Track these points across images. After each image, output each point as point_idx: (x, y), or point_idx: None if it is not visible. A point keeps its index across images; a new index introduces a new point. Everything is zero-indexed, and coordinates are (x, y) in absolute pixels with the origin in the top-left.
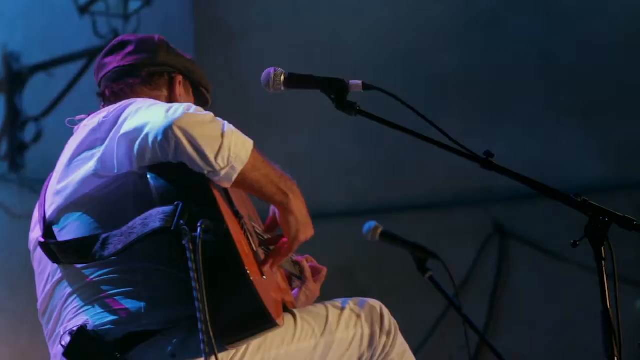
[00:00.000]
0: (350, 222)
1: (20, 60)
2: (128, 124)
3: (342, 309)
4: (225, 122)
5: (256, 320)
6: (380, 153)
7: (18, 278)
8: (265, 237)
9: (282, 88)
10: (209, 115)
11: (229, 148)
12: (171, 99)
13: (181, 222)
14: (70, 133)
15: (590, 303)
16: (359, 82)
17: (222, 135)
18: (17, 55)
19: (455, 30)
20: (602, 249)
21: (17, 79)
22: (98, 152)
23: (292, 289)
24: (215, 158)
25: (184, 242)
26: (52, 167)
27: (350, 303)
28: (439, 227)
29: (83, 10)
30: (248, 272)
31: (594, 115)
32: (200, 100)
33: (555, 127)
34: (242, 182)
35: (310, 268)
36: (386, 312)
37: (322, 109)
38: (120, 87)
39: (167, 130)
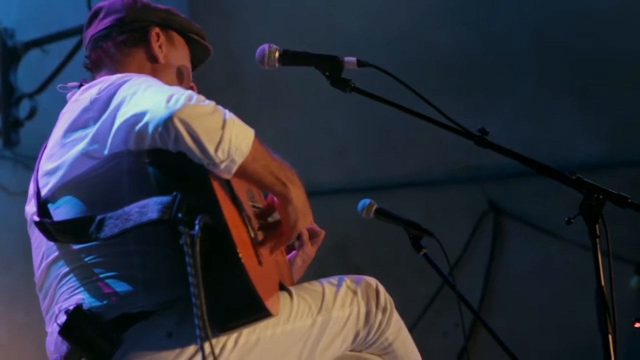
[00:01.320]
0: (345, 200)
1: (15, 37)
2: (126, 110)
3: (339, 286)
4: (227, 112)
5: (250, 310)
6: (374, 130)
7: (13, 254)
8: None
9: (277, 64)
10: (210, 105)
11: (229, 140)
12: (150, 53)
13: (179, 215)
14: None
15: (584, 280)
16: (354, 59)
17: (223, 126)
18: (11, 32)
19: (450, 9)
20: (597, 226)
21: (12, 55)
22: (91, 131)
23: (290, 252)
24: (215, 151)
25: (181, 241)
26: None
27: (347, 280)
28: (434, 205)
29: None
30: (244, 264)
31: (588, 93)
32: (199, 50)
33: (549, 106)
34: (242, 173)
35: (308, 231)
36: (382, 289)
37: (316, 86)
38: (97, 54)
39: (168, 122)
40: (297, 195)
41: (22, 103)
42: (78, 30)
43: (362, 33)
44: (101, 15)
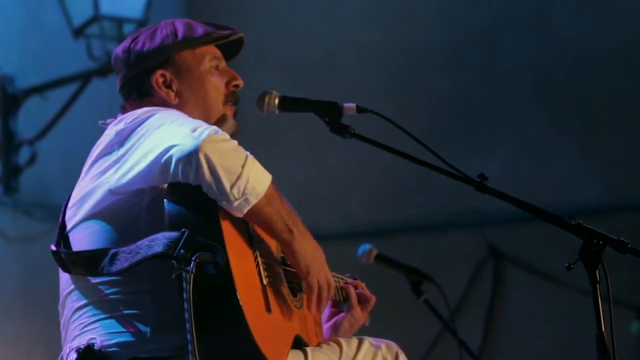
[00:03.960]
0: (345, 245)
1: (15, 83)
2: (149, 144)
3: (358, 348)
4: (248, 153)
5: (247, 357)
6: (374, 176)
7: (13, 301)
8: None
9: (276, 111)
10: (234, 143)
11: (246, 180)
12: (161, 99)
13: (182, 251)
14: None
15: (584, 325)
16: (353, 105)
17: (243, 165)
18: (11, 78)
19: (450, 51)
20: (597, 272)
21: (11, 101)
22: (114, 162)
23: (339, 313)
24: (231, 188)
25: (173, 276)
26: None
27: (367, 342)
28: (434, 250)
29: (77, 32)
30: (242, 308)
31: (589, 137)
32: (229, 51)
33: (550, 149)
34: (254, 215)
35: (357, 295)
36: (402, 354)
37: (316, 131)
38: (125, 108)
39: (192, 153)
40: (302, 245)
41: (22, 149)
42: (78, 77)
43: (361, 76)
44: (115, 70)
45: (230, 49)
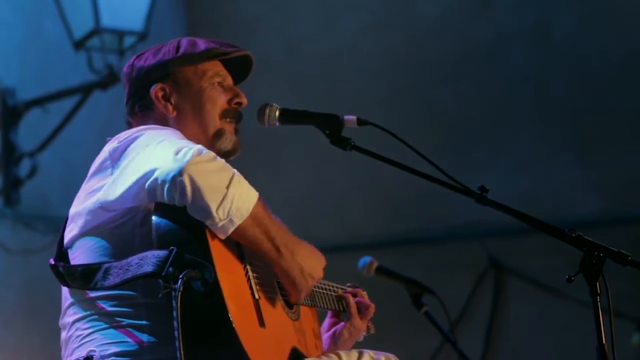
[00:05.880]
0: (346, 258)
1: (15, 96)
2: (137, 166)
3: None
4: (235, 172)
5: None
6: (375, 188)
7: (13, 313)
8: None
9: (277, 123)
10: (219, 162)
11: (231, 201)
12: (160, 112)
13: (170, 269)
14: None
15: (585, 337)
16: (354, 117)
17: (228, 186)
18: (12, 91)
19: (451, 64)
20: (597, 284)
21: (12, 114)
22: (106, 182)
23: (339, 322)
24: (217, 210)
25: (160, 295)
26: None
27: (366, 356)
28: (434, 262)
29: (78, 45)
30: (234, 323)
31: (589, 149)
32: (238, 72)
33: (550, 161)
34: (241, 235)
35: (357, 303)
36: None
37: (316, 143)
38: (130, 125)
39: (175, 177)
40: (290, 263)
41: (23, 162)
42: (78, 89)
43: (362, 89)
44: (123, 86)
45: (239, 70)
